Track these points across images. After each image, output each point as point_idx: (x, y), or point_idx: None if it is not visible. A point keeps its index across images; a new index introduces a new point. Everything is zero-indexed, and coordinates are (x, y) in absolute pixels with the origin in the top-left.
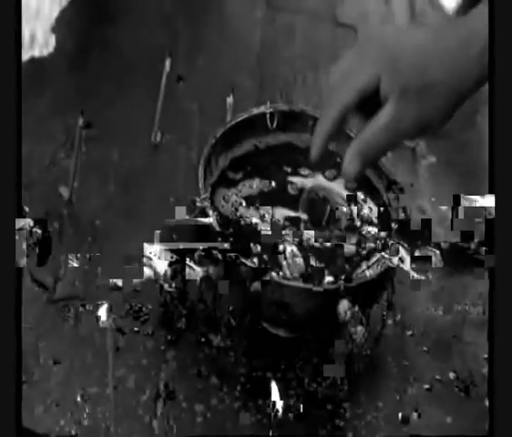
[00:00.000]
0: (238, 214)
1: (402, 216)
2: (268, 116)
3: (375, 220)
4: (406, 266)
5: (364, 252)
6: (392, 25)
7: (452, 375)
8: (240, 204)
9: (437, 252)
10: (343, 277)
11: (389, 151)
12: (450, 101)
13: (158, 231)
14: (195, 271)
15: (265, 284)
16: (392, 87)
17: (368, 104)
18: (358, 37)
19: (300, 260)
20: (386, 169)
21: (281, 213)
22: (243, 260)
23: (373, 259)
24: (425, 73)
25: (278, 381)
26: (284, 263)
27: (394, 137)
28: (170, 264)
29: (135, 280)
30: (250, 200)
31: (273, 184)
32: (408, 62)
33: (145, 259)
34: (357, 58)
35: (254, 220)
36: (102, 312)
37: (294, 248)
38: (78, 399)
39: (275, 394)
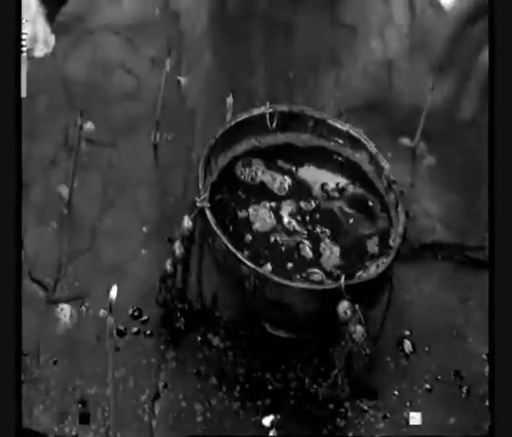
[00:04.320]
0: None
1: (403, 218)
2: (268, 116)
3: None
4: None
5: None
6: None
7: (453, 375)
8: (256, 174)
9: None
10: (343, 276)
11: None
12: None
13: None
14: None
15: (264, 283)
16: None
17: None
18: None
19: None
20: (386, 169)
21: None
22: (244, 260)
23: None
24: None
25: (278, 382)
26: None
27: None
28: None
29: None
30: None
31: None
32: None
33: None
34: None
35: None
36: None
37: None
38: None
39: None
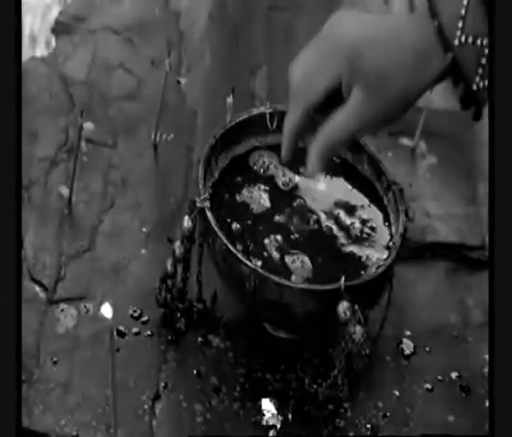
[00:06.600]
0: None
1: (403, 218)
2: (268, 116)
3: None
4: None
5: None
6: (351, 17)
7: (453, 375)
8: (268, 167)
9: None
10: (343, 277)
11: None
12: (409, 95)
13: None
14: None
15: (264, 283)
16: (353, 83)
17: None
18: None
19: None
20: (386, 169)
21: None
22: (244, 260)
23: None
24: (386, 67)
25: (277, 382)
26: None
27: (356, 131)
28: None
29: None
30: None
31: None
32: (369, 57)
33: None
34: (317, 56)
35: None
36: (106, 311)
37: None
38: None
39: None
